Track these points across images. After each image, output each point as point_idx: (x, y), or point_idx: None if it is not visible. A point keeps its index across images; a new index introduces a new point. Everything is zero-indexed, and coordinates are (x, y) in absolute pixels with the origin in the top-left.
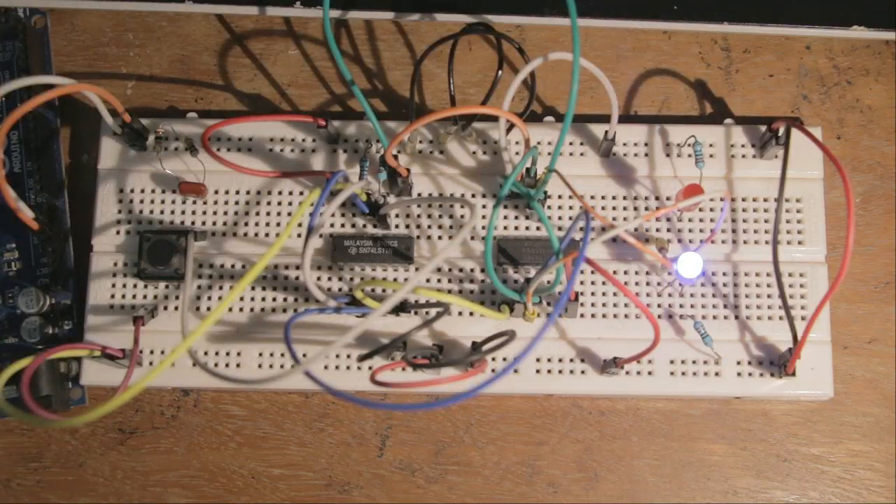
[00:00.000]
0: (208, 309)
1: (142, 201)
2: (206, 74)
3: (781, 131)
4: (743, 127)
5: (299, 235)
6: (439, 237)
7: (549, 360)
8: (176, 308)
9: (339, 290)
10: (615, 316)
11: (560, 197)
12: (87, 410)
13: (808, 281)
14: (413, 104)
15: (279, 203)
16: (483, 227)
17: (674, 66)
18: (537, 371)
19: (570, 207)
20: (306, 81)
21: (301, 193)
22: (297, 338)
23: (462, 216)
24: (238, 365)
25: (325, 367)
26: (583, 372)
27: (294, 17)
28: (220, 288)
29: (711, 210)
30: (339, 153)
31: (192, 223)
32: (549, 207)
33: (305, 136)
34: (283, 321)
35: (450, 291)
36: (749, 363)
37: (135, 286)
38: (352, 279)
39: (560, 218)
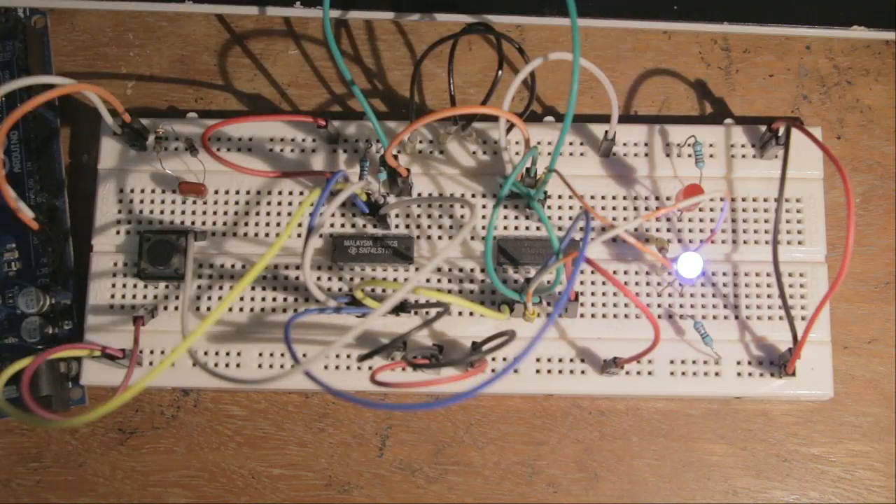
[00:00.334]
0: (208, 309)
1: (142, 201)
2: (206, 74)
3: (781, 131)
4: (743, 127)
5: (299, 235)
6: (439, 237)
7: (549, 360)
8: (176, 308)
9: (339, 290)
10: (615, 316)
11: (560, 197)
12: (87, 410)
13: (808, 281)
14: (413, 104)
15: (279, 203)
16: (483, 227)
17: (674, 66)
18: (537, 371)
19: (570, 207)
20: (306, 81)
21: (301, 193)
22: (297, 338)
23: (462, 216)
24: (238, 365)
25: (325, 367)
26: (583, 372)
27: (294, 17)
28: (220, 288)
29: (711, 210)
30: (339, 153)
31: (192, 223)
32: (549, 207)
33: (305, 136)
34: (283, 321)
35: (450, 291)
36: (749, 363)
37: (135, 286)
38: (352, 279)
39: (560, 218)
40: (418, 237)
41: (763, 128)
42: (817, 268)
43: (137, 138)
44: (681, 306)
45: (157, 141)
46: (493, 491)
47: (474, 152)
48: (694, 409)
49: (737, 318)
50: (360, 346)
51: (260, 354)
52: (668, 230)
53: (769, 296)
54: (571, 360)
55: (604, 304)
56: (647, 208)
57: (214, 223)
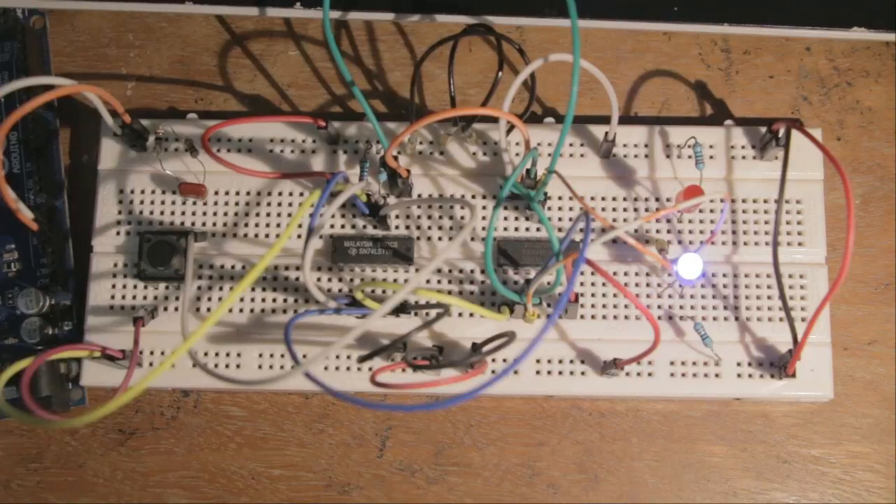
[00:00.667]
0: (208, 310)
1: (142, 202)
2: (207, 75)
3: (781, 133)
4: (743, 128)
5: (299, 236)
6: (439, 238)
7: (549, 361)
8: (176, 309)
9: (340, 291)
10: (615, 317)
11: (560, 198)
12: (87, 411)
13: (808, 282)
14: (413, 105)
15: (279, 204)
16: (483, 228)
17: (674, 68)
18: (537, 372)
19: (571, 209)
20: (306, 82)
21: (301, 194)
22: (298, 339)
23: (462, 217)
24: (238, 366)
25: (326, 368)
26: (583, 373)
27: (294, 18)
28: (221, 289)
29: (711, 211)
30: (340, 154)
31: (193, 224)
32: (549, 208)
33: (305, 136)
34: (284, 322)
35: (450, 292)
36: (749, 364)
37: (135, 287)
38: (352, 280)
39: (560, 219)
40: (418, 238)
41: (763, 129)
42: (817, 269)
43: (137, 139)
44: (681, 307)
45: (158, 142)
46: (493, 492)
47: (474, 153)
48: (694, 410)
49: (737, 319)
50: (361, 348)
51: (260, 355)
52: (669, 231)
53: (769, 297)
54: (571, 362)
55: (604, 306)
56: (647, 209)
57: (214, 224)
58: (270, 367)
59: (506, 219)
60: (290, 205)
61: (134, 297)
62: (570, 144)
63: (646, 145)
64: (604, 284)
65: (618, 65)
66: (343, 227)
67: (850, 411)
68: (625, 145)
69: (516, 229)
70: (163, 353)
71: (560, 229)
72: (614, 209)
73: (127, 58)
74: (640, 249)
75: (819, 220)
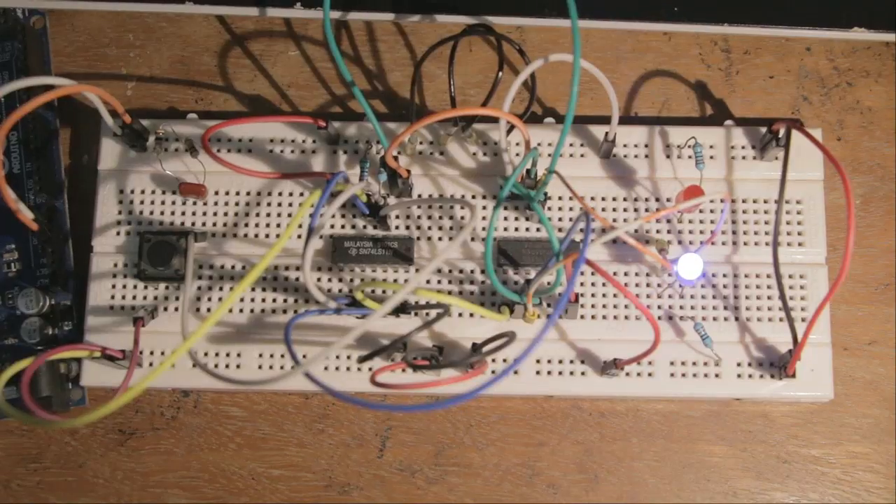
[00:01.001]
0: (208, 310)
1: (142, 202)
2: (207, 75)
3: (782, 133)
4: (743, 128)
5: (299, 237)
6: (439, 238)
7: (549, 361)
8: (176, 309)
9: (340, 291)
10: (615, 317)
11: (560, 198)
12: (87, 411)
13: (809, 282)
14: (413, 105)
15: (279, 204)
16: (483, 229)
17: (674, 68)
18: (537, 372)
19: (571, 209)
20: (306, 82)
21: (301, 194)
22: (298, 339)
23: (462, 217)
24: (238, 366)
25: (326, 369)
26: (583, 373)
27: (294, 18)
28: (221, 289)
29: (712, 212)
30: (340, 154)
31: (193, 224)
32: (549, 209)
33: (305, 137)
34: (284, 322)
35: (450, 293)
36: (749, 364)
37: (135, 287)
38: (352, 280)
39: (560, 219)
40: (418, 238)
41: (763, 129)
42: (817, 269)
43: (138, 139)
44: (681, 308)
45: (158, 142)
46: (493, 492)
47: (475, 153)
48: (694, 410)
49: (737, 319)
50: (361, 348)
51: (260, 355)
52: (669, 231)
53: (769, 297)
54: (572, 362)
55: (604, 306)
56: (647, 210)
57: (215, 224)
58: (270, 367)
59: (506, 219)
60: (291, 205)
61: (134, 298)
62: (571, 144)
63: (646, 145)
64: (604, 284)
65: (618, 65)
66: (343, 227)
67: (850, 411)
68: (625, 145)
69: (516, 229)
70: (163, 354)
71: (560, 229)
72: (614, 209)
73: (127, 58)
74: (641, 249)
75: (819, 220)
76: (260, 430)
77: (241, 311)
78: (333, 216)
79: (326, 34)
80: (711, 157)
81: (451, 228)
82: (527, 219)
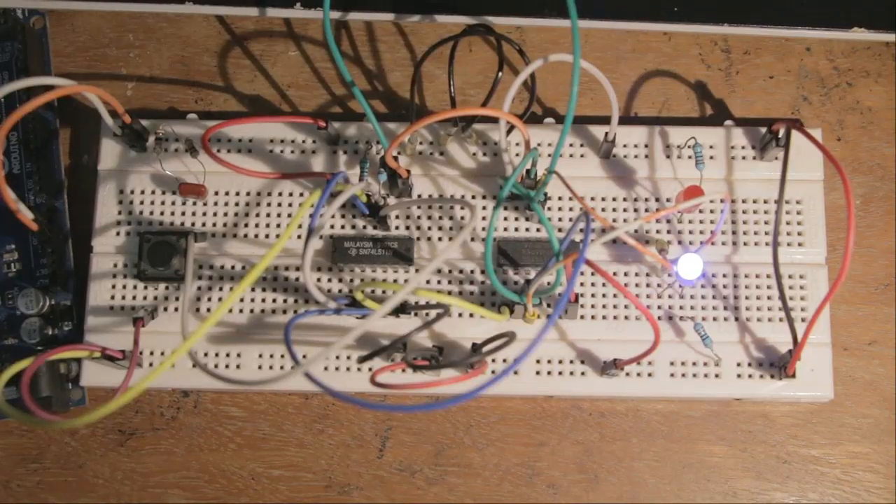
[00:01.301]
0: (208, 310)
1: (142, 202)
2: (207, 75)
3: (782, 133)
4: (743, 128)
5: (299, 237)
6: (439, 238)
7: (549, 361)
8: (176, 309)
9: (340, 291)
10: (615, 317)
11: (560, 198)
12: (87, 411)
13: (808, 283)
14: (413, 105)
15: (279, 204)
16: (483, 229)
17: (674, 68)
18: (537, 372)
19: (571, 209)
20: (306, 83)
21: (301, 195)
22: (297, 339)
23: (462, 217)
24: (238, 366)
25: (325, 369)
26: (583, 373)
27: (294, 19)
28: (221, 289)
29: (711, 212)
30: (340, 154)
31: (193, 224)
32: (549, 209)
33: (305, 137)
34: (283, 322)
35: (450, 293)
36: (749, 365)
37: (135, 287)
38: (352, 280)
39: (560, 219)
40: (418, 238)
41: (763, 129)
42: (817, 269)
43: (137, 139)
44: (681, 308)
45: (157, 142)
46: (493, 492)
47: (474, 154)
48: (694, 410)
49: (737, 319)
50: (361, 348)
51: (260, 356)
52: (669, 232)
53: (769, 297)
54: (571, 362)
55: (604, 306)
56: (647, 210)
57: (214, 224)
58: (270, 367)
59: (506, 219)
60: (290, 205)
61: (134, 298)
62: (571, 145)
63: (646, 145)
64: (604, 285)
65: (618, 65)
66: (343, 227)
67: (850, 411)
68: (625, 145)
69: (516, 229)
70: (163, 354)
71: (560, 229)
72: (614, 209)
73: (127, 58)
74: (640, 250)
75: (819, 220)
76: (260, 430)
77: (240, 311)
78: (333, 216)
79: (326, 34)
80: (711, 158)
81: (451, 229)
82: (527, 219)
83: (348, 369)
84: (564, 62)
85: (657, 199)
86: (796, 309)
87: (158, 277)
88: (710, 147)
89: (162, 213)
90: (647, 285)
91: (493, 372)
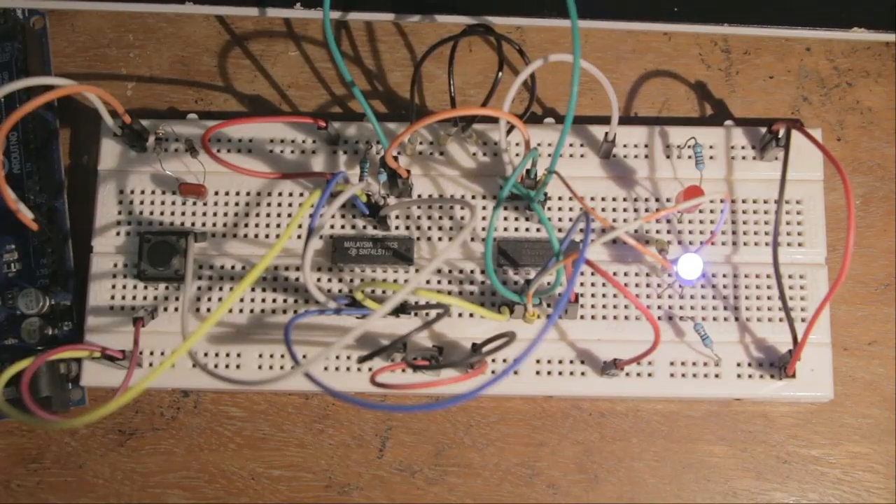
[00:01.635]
0: (208, 310)
1: (142, 202)
2: (207, 75)
3: (782, 133)
4: (743, 129)
5: (299, 237)
6: (439, 238)
7: (549, 361)
8: (176, 309)
9: (340, 291)
10: (615, 317)
11: (560, 198)
12: (87, 411)
13: (808, 283)
14: (413, 105)
15: (279, 204)
16: (483, 229)
17: (674, 68)
18: (537, 372)
19: (571, 209)
20: (306, 83)
21: (301, 195)
22: (297, 339)
23: (462, 217)
24: (238, 366)
25: (325, 369)
26: (583, 373)
27: (294, 19)
28: (221, 289)
29: (711, 212)
30: (340, 154)
31: (193, 224)
32: (549, 209)
33: (305, 137)
34: (283, 322)
35: (450, 293)
36: (749, 365)
37: (135, 287)
38: (352, 280)
39: (560, 219)
40: (418, 238)
41: (763, 129)
42: (817, 269)
43: (137, 139)
44: (681, 308)
45: (157, 142)
46: (493, 492)
47: (474, 154)
48: (694, 410)
49: (737, 319)
50: (361, 348)
51: (260, 356)
52: (669, 232)
53: (769, 297)
54: (571, 362)
55: (604, 306)
56: (647, 210)
57: (214, 224)
58: (270, 367)
59: (506, 219)
60: (290, 205)
61: (134, 298)
62: (570, 145)
63: (646, 146)
64: (604, 285)
65: (618, 65)
66: (343, 227)
67: (850, 411)
68: (625, 146)
69: (516, 229)
70: (163, 354)
71: (560, 229)
72: (614, 209)
73: (127, 58)
74: (640, 250)
75: (819, 220)
76: (260, 430)
77: (240, 311)
78: (333, 216)
79: (326, 34)
80: (711, 158)
81: (451, 229)
82: (527, 219)
83: (348, 369)
84: (564, 62)
85: (657, 199)
86: (796, 309)
87: (158, 277)
88: (710, 147)
89: (162, 213)
90: (647, 285)
91: (493, 372)
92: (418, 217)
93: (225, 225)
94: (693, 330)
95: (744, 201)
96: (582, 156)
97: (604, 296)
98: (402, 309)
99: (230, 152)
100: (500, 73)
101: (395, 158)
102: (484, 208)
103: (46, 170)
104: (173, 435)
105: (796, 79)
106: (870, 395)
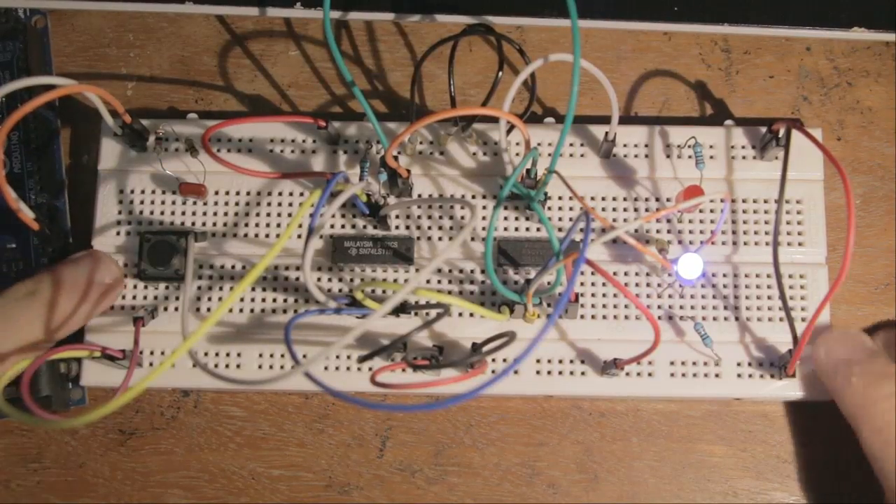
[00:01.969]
0: (208, 310)
1: (142, 202)
2: (207, 75)
3: (782, 133)
4: (743, 128)
5: (299, 236)
6: (439, 238)
7: (549, 361)
8: (176, 309)
9: (340, 291)
10: (615, 317)
11: (560, 198)
12: (87, 411)
13: (809, 282)
14: (413, 105)
15: (279, 204)
16: (483, 228)
17: (674, 68)
18: (537, 372)
19: (571, 209)
20: (307, 82)
21: (301, 194)
22: (297, 339)
23: (462, 217)
24: (238, 366)
25: (326, 369)
26: (583, 373)
27: (294, 18)
28: (221, 289)
29: (712, 211)
30: (340, 154)
31: (193, 224)
32: (549, 209)
33: (305, 137)
34: (284, 322)
35: (450, 292)
36: (749, 364)
37: (135, 287)
38: (352, 280)
39: (560, 219)
40: (418, 238)
41: (763, 129)
42: (817, 269)
43: (138, 139)
44: (681, 307)
45: (158, 142)
46: (493, 492)
47: (474, 153)
48: (694, 410)
49: (737, 319)
50: (361, 348)
51: (260, 355)
52: (669, 231)
53: (769, 297)
54: (572, 362)
55: (604, 306)
56: (647, 209)
57: (215, 224)
58: (271, 367)
59: (506, 219)
60: (291, 205)
61: (134, 298)
62: (571, 144)
63: (646, 145)
64: (604, 284)
65: (618, 65)
66: (343, 227)
67: None
68: (625, 145)
69: (516, 229)
70: (163, 353)
71: (560, 229)
72: (614, 209)
73: (127, 58)
74: (641, 249)
75: (819, 220)
76: (260, 430)
77: (241, 310)
78: (333, 216)
79: (326, 33)
80: (711, 157)
81: (451, 228)
82: (527, 219)
83: (348, 369)
84: (564, 62)
85: (657, 199)
86: (796, 309)
87: (158, 277)
88: (710, 147)
89: (162, 213)
90: (648, 285)
91: (493, 372)
92: (418, 217)
93: (225, 224)
94: (693, 330)
95: (744, 201)
96: (582, 155)
97: (604, 295)
98: (402, 309)
99: (230, 152)
100: (501, 73)
101: (396, 158)
102: (484, 208)
103: (47, 169)
104: (173, 434)
105: (796, 79)
106: None
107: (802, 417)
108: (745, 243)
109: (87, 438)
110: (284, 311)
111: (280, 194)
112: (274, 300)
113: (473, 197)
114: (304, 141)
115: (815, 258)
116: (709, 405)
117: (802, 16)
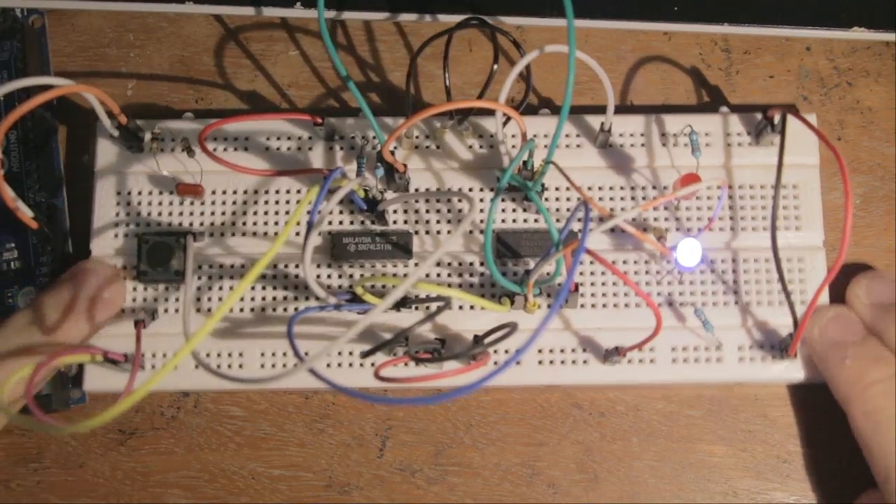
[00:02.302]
0: (209, 310)
1: (139, 203)
2: (207, 75)
3: (777, 119)
4: (739, 115)
5: (298, 234)
6: (438, 232)
7: (551, 350)
8: (177, 310)
9: (340, 287)
10: (616, 305)
11: (558, 189)
12: (91, 415)
13: (807, 266)
14: (409, 98)
15: (277, 202)
16: (482, 221)
17: (674, 68)
18: (539, 362)
19: (568, 199)
20: (307, 82)
21: (299, 191)
22: (299, 336)
23: (461, 210)
24: (240, 365)
25: (328, 365)
26: (585, 362)
27: (294, 18)
28: (221, 288)
29: (709, 198)
30: (336, 150)
31: (191, 224)
32: (547, 199)
33: (302, 133)
34: (285, 319)
35: (450, 285)
36: (750, 348)
37: (134, 289)
38: (352, 276)
39: (558, 209)
40: (417, 232)
41: (759, 116)
42: (815, 252)
43: (134, 140)
44: (681, 294)
45: (154, 142)
46: (493, 492)
47: (471, 146)
48: (694, 409)
49: (737, 304)
50: (362, 343)
51: (262, 354)
52: (667, 219)
53: (768, 281)
54: (574, 350)
55: (604, 294)
56: (645, 198)
57: (213, 223)
58: (273, 365)
59: (504, 210)
60: (288, 202)
61: (134, 300)
62: (567, 135)
63: (642, 134)
64: (603, 273)
65: (618, 64)
66: (342, 223)
67: None
68: (621, 135)
69: (515, 221)
70: (164, 355)
71: (558, 219)
72: (612, 198)
73: (127, 58)
74: (639, 237)
75: (815, 204)
76: (260, 429)
77: (241, 310)
78: (331, 212)
79: (322, 31)
80: (708, 145)
81: (449, 221)
82: (525, 210)
83: (350, 365)
84: (563, 60)
85: (655, 188)
86: (795, 292)
87: (158, 279)
88: (707, 135)
89: (160, 214)
90: (647, 272)
91: (495, 363)
92: (416, 211)
93: (223, 224)
94: (694, 315)
95: (741, 187)
96: (578, 146)
97: (604, 284)
98: (402, 303)
99: (226, 150)
100: (496, 66)
101: (392, 153)
102: (482, 200)
103: (46, 168)
104: (173, 434)
105: (796, 78)
106: None
107: (803, 417)
108: (743, 229)
109: (87, 438)
110: (285, 309)
111: (277, 192)
112: (274, 298)
113: (471, 190)
114: (300, 138)
115: (813, 241)
116: (709, 404)
117: (802, 16)
